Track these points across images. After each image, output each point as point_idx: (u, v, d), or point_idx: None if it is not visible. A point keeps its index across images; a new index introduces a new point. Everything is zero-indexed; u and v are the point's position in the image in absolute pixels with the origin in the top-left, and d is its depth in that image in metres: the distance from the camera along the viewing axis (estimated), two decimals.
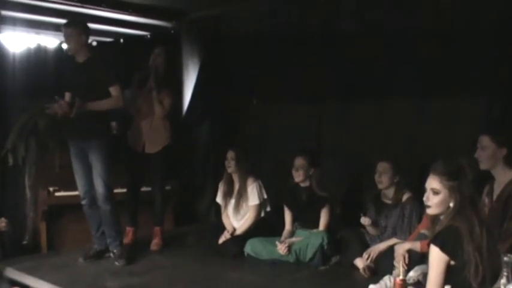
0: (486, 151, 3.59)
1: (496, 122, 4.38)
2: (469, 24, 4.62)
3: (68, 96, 4.81)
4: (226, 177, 5.31)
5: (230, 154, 5.18)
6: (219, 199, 5.41)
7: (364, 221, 4.45)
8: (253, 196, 5.13)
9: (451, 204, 2.79)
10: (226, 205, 5.33)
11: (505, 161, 3.56)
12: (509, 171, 3.56)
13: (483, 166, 3.61)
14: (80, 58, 4.75)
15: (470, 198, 2.80)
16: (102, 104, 4.72)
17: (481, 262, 2.66)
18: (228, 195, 5.30)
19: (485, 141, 3.61)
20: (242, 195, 5.17)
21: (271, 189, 5.24)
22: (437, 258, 2.72)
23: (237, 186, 5.24)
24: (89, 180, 4.80)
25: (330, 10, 5.59)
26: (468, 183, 2.81)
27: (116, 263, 4.75)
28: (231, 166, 5.18)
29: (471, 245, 2.67)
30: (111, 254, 4.89)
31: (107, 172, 4.76)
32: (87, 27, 4.83)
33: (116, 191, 5.05)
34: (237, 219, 5.25)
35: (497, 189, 3.59)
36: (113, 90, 4.74)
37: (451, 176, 2.80)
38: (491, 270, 2.68)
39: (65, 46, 6.28)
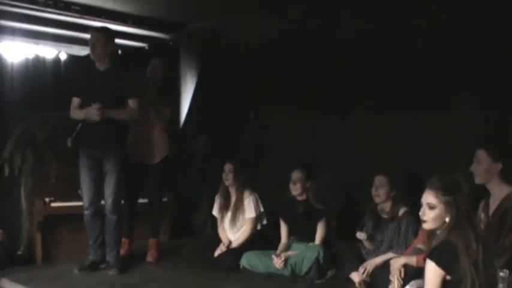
0: (482, 165, 3.60)
1: (492, 136, 4.37)
2: (466, 37, 4.64)
3: (76, 101, 4.79)
4: (223, 190, 5.28)
5: (228, 167, 5.16)
6: (215, 212, 5.39)
7: (360, 235, 4.45)
8: (249, 209, 5.12)
9: (447, 219, 2.79)
10: (222, 218, 5.31)
11: (500, 176, 3.57)
12: (505, 187, 3.56)
13: (478, 180, 3.62)
14: (102, 66, 4.76)
15: (466, 213, 2.80)
16: (120, 114, 4.74)
17: (477, 277, 2.65)
18: (224, 207, 5.28)
19: (481, 155, 3.62)
20: (239, 207, 5.16)
21: (267, 202, 5.23)
22: (433, 272, 2.72)
23: (233, 198, 5.22)
24: (97, 191, 4.80)
25: (327, 24, 5.61)
26: (464, 198, 2.81)
27: (109, 272, 4.76)
28: (228, 179, 5.16)
29: (467, 259, 2.67)
30: (106, 264, 4.89)
31: (120, 182, 4.81)
32: (114, 37, 4.90)
33: None
34: (233, 231, 5.23)
35: (493, 204, 3.59)
36: (132, 103, 4.80)
37: (447, 191, 2.80)
38: (487, 285, 2.68)
39: (63, 56, 6.36)
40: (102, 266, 4.88)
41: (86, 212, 4.82)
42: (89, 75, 4.87)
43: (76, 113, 4.80)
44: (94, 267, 4.84)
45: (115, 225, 4.84)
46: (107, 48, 4.74)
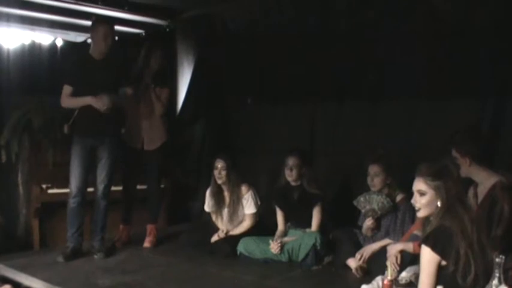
0: (457, 161, 3.63)
1: (457, 132, 4.28)
2: (463, 26, 4.63)
3: (69, 89, 4.80)
4: (215, 188, 5.12)
5: (220, 164, 5.00)
6: (207, 208, 5.24)
7: (370, 222, 4.42)
8: (249, 205, 5.04)
9: (439, 204, 2.79)
10: (218, 214, 5.20)
11: (476, 166, 3.62)
12: (491, 175, 3.58)
13: (461, 174, 3.67)
14: (100, 56, 4.81)
15: (457, 196, 2.81)
16: (122, 103, 4.95)
17: (473, 259, 2.66)
18: (219, 205, 5.15)
19: (453, 151, 3.69)
20: (236, 205, 5.06)
21: (264, 188, 5.22)
22: (428, 258, 2.72)
23: (228, 196, 5.10)
24: (86, 178, 4.83)
25: (325, 9, 5.59)
26: (454, 182, 2.82)
27: (95, 256, 4.81)
28: (222, 177, 5.00)
29: (463, 242, 2.67)
30: (91, 248, 4.91)
31: (113, 168, 4.91)
32: None
33: None
34: (232, 225, 5.14)
35: (481, 193, 3.61)
36: (128, 90, 5.01)
37: (435, 176, 2.81)
38: (484, 267, 2.69)
39: (59, 42, 6.33)
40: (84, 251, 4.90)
41: (74, 200, 4.79)
42: (84, 63, 4.87)
43: (70, 101, 4.82)
44: (77, 253, 4.81)
45: (103, 210, 4.92)
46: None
